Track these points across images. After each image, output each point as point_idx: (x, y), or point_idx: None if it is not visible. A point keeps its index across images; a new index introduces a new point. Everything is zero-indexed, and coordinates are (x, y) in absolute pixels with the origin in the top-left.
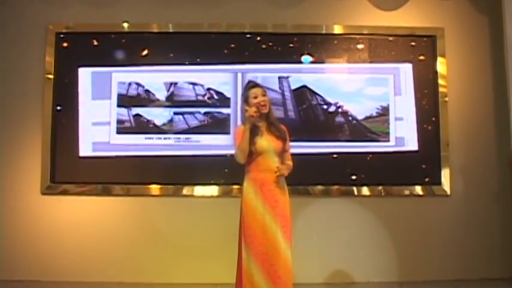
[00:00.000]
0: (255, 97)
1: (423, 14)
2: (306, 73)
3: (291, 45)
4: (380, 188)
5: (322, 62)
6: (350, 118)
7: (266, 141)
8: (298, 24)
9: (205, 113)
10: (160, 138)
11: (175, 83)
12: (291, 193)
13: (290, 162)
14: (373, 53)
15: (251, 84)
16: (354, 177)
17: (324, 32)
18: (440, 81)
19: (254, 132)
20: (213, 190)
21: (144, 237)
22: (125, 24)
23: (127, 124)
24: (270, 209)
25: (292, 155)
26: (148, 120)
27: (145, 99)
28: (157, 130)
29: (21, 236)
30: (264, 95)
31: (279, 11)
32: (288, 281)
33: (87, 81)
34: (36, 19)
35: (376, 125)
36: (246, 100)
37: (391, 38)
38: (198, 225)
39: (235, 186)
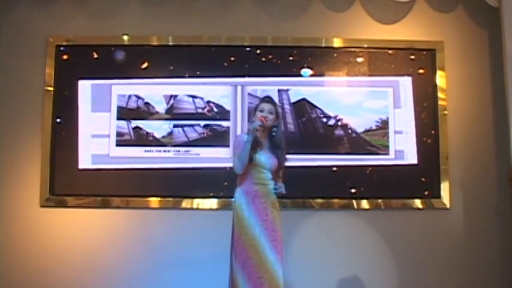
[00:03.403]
0: (261, 111)
1: (423, 28)
2: (305, 86)
3: (291, 58)
4: (379, 201)
5: (322, 75)
6: (349, 131)
7: (264, 157)
8: (298, 37)
9: (205, 126)
10: (159, 150)
11: (175, 96)
12: (290, 206)
13: (280, 180)
14: (372, 66)
15: (265, 99)
16: (353, 190)
17: (323, 45)
18: (440, 95)
19: (255, 145)
20: (212, 203)
21: (143, 249)
22: (125, 37)
23: (126, 137)
24: (260, 222)
25: (292, 167)
26: (147, 133)
27: (145, 111)
28: (157, 143)
29: (20, 248)
30: (271, 113)
31: (279, 24)
32: None
33: (86, 94)
34: (36, 32)
35: (375, 138)
36: (255, 111)
37: (390, 52)
38: (197, 238)
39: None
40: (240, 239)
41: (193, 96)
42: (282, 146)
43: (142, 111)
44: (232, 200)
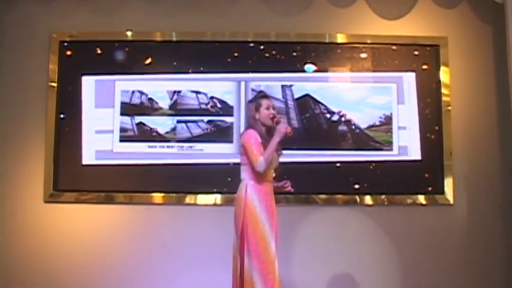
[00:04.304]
0: (267, 108)
1: (426, 23)
2: (309, 82)
3: (294, 54)
4: (383, 197)
5: (326, 71)
6: (353, 127)
7: (273, 156)
8: (302, 33)
9: (209, 122)
10: (163, 146)
11: (179, 92)
12: (294, 201)
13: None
14: (376, 62)
15: (263, 94)
16: (356, 186)
17: (327, 40)
18: (444, 90)
19: (264, 145)
20: (215, 198)
21: (147, 245)
22: (129, 33)
23: (130, 132)
24: (269, 218)
25: (296, 163)
26: (151, 129)
27: (149, 107)
28: (161, 138)
29: (24, 244)
30: (274, 108)
31: (283, 19)
32: None
33: (90, 90)
34: (39, 27)
35: (379, 134)
36: (257, 108)
37: (394, 47)
38: (200, 234)
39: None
40: (254, 235)
41: (197, 92)
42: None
43: (145, 107)
44: (236, 195)
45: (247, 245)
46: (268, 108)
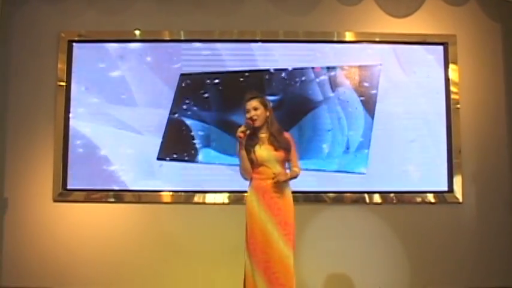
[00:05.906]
0: (248, 111)
1: (435, 21)
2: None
3: None
4: (392, 195)
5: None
6: None
7: (266, 151)
8: (310, 31)
9: None
10: None
11: None
12: (303, 200)
13: (297, 169)
14: None
15: (246, 98)
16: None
17: (335, 39)
18: (452, 88)
19: (253, 141)
20: (224, 197)
21: (155, 244)
22: (137, 32)
23: None
24: (272, 216)
25: None
26: None
27: None
28: None
29: (34, 242)
30: (256, 109)
31: (291, 18)
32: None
33: None
34: (48, 27)
35: None
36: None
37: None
38: (209, 232)
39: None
40: (252, 235)
41: None
42: (275, 133)
43: None
44: (245, 194)
45: (247, 245)
46: (248, 112)
